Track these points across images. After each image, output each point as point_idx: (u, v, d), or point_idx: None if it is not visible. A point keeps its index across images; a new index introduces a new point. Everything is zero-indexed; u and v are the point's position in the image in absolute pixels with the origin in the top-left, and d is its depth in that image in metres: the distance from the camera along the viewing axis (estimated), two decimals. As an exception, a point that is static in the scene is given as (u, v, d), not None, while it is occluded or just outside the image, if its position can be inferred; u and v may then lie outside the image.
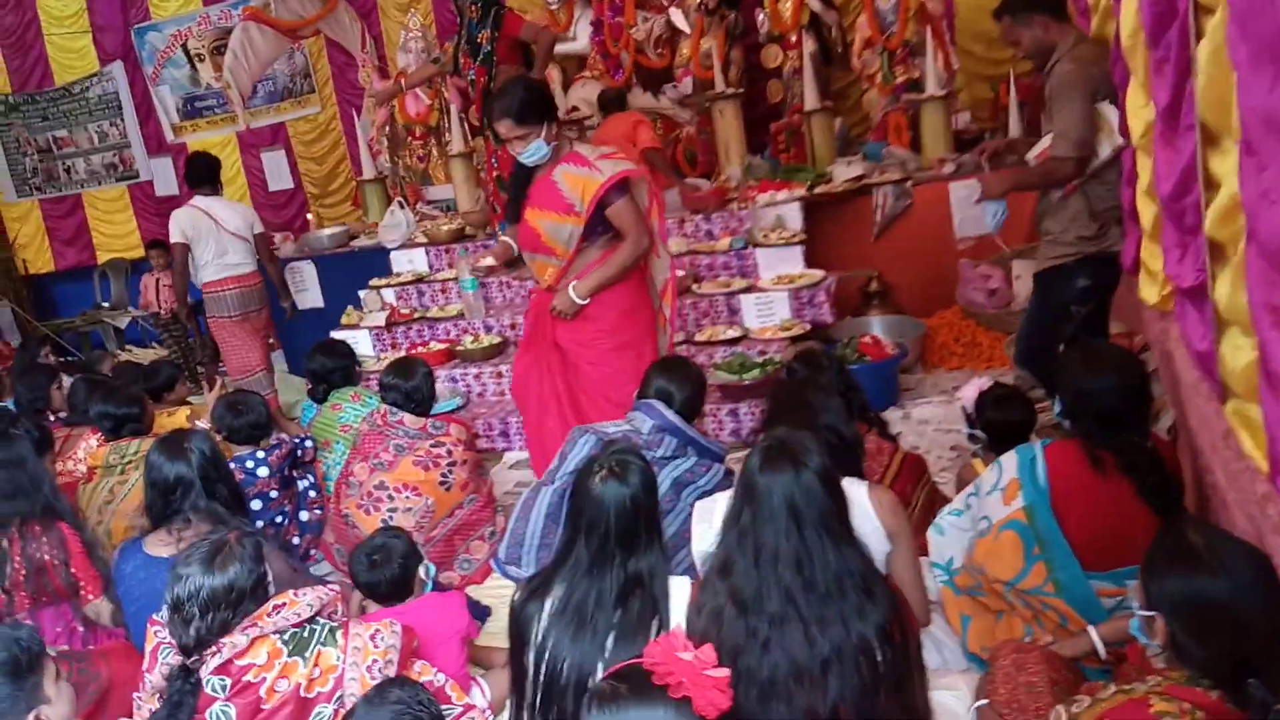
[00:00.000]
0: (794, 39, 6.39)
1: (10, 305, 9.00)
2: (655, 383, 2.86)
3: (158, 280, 7.22)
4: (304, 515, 3.65)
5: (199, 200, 5.41)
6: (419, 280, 6.11)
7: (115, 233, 9.14)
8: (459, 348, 5.38)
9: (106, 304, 8.91)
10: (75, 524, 3.00)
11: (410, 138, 7.41)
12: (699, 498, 2.55)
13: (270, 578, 2.22)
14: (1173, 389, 2.68)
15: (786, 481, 1.69)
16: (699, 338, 4.79)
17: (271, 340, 6.01)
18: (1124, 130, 2.98)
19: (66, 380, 5.02)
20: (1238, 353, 1.85)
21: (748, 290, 4.94)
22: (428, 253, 6.30)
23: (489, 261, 3.81)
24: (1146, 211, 2.62)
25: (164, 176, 8.83)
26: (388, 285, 6.11)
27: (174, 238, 5.33)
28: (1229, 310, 1.88)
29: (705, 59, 6.41)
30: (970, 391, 2.96)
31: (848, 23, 6.61)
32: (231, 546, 2.16)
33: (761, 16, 6.46)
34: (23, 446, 2.93)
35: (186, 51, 8.41)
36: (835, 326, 4.94)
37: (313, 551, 3.70)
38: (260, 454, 3.62)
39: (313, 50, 8.13)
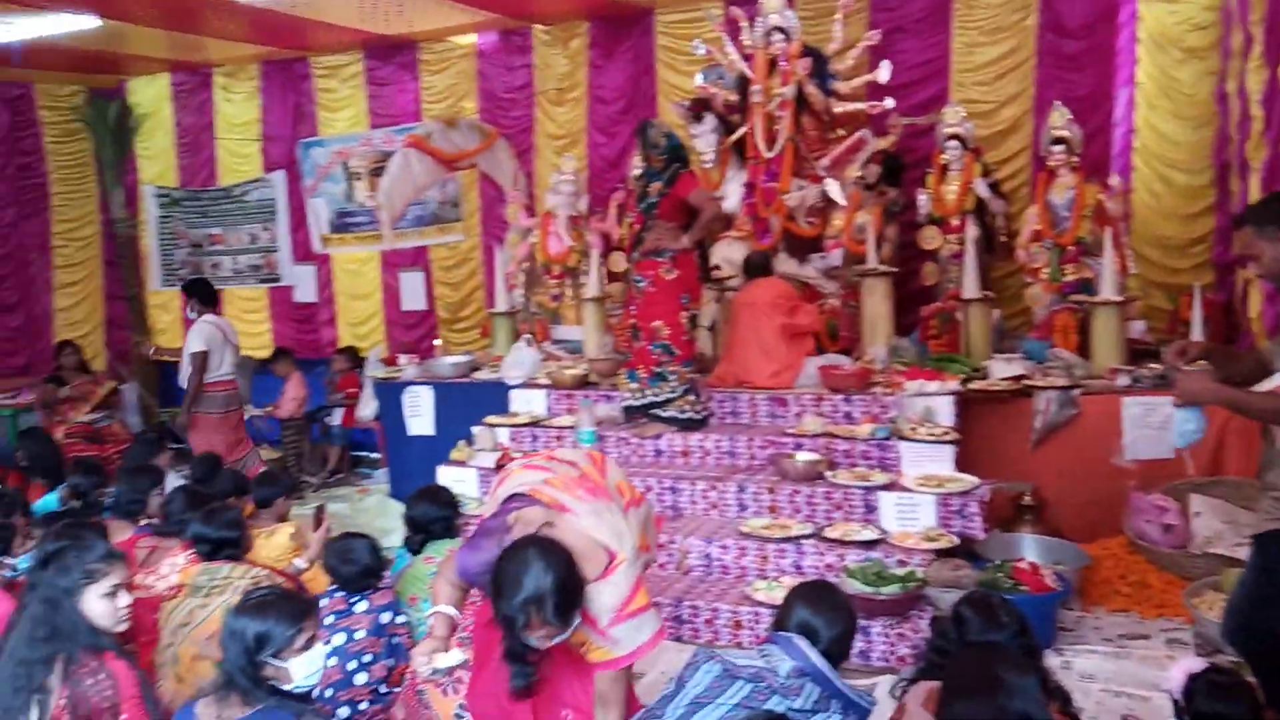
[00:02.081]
0: (956, 223, 6.12)
1: (138, 388, 9.20)
2: (798, 613, 2.43)
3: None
4: (381, 687, 3.30)
5: (211, 317, 6.50)
6: (535, 423, 5.88)
7: (248, 331, 9.29)
8: (567, 503, 5.05)
9: (227, 399, 8.99)
10: (133, 664, 2.72)
11: (547, 276, 7.36)
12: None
13: None
14: None
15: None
16: (830, 533, 4.34)
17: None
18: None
19: (172, 482, 4.90)
20: None
21: (888, 487, 4.50)
22: (548, 395, 6.09)
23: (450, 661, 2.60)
24: None
25: (304, 284, 9.01)
26: (503, 424, 5.90)
27: (196, 347, 6.32)
28: None
29: (859, 233, 6.17)
30: (1178, 675, 2.44)
31: (1015, 211, 6.32)
32: None
33: (923, 197, 6.22)
34: (58, 583, 2.68)
35: (346, 169, 8.68)
36: (985, 543, 4.42)
37: (377, 722, 3.33)
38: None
39: (465, 181, 8.27)
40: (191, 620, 3.50)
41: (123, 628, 2.84)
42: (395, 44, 8.24)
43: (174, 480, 4.78)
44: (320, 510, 4.33)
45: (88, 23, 6.90)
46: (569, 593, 2.37)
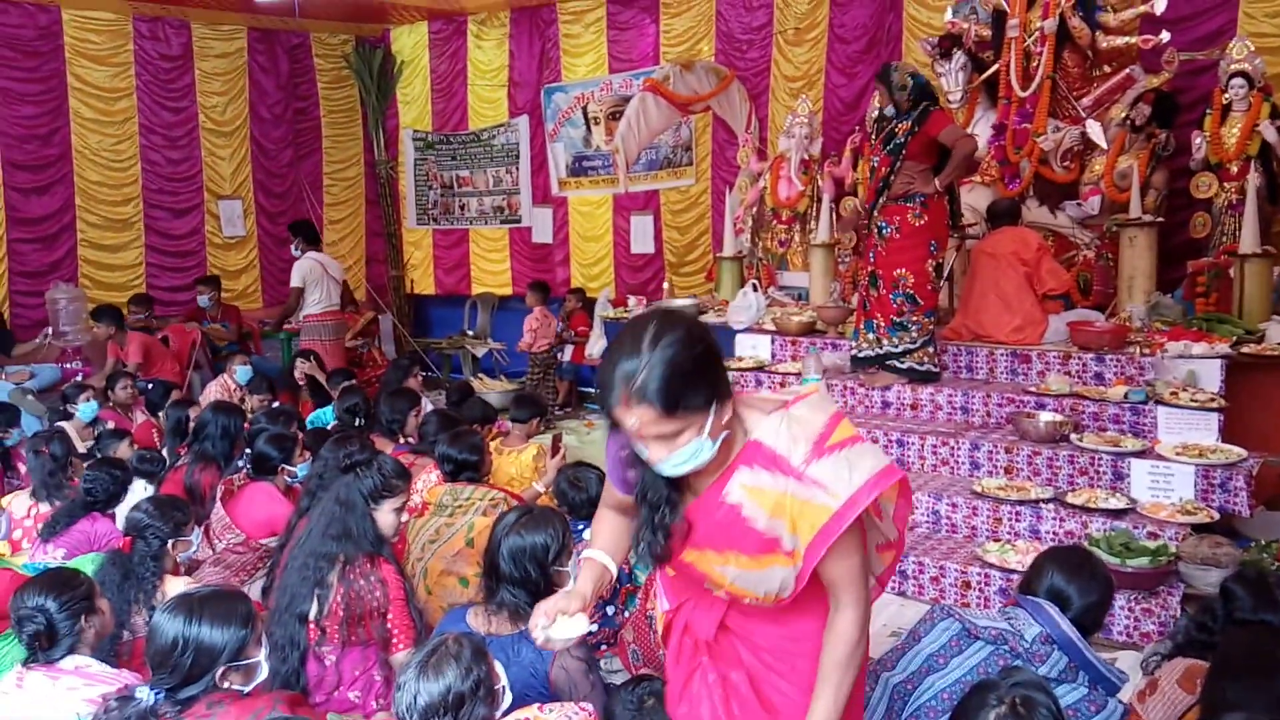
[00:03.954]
0: (1235, 169, 5.52)
1: (393, 319, 9.99)
2: (1049, 578, 2.32)
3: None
4: (609, 608, 3.46)
5: (313, 254, 7.31)
6: (759, 368, 5.90)
7: (490, 269, 9.87)
8: (791, 448, 5.05)
9: (471, 332, 9.62)
10: (401, 571, 3.00)
11: (776, 220, 7.30)
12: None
13: (498, 681, 2.10)
14: None
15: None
16: (1072, 499, 4.11)
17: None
18: None
19: (427, 405, 5.31)
20: None
21: (1142, 454, 4.19)
22: (773, 340, 6.09)
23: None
24: None
25: (542, 225, 9.40)
26: (729, 368, 5.91)
27: (295, 283, 7.25)
28: None
29: (1121, 179, 5.71)
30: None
31: (1309, 158, 5.63)
32: (447, 647, 2.05)
33: (1199, 140, 5.65)
34: (359, 489, 2.98)
35: (585, 114, 8.92)
36: (1249, 521, 4.05)
37: (603, 645, 3.50)
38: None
39: (699, 125, 8.30)
40: (439, 537, 3.77)
41: (395, 540, 3.14)
42: (637, -13, 8.33)
43: (429, 404, 5.16)
44: (557, 439, 4.56)
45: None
46: (686, 370, 1.61)
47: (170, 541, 3.22)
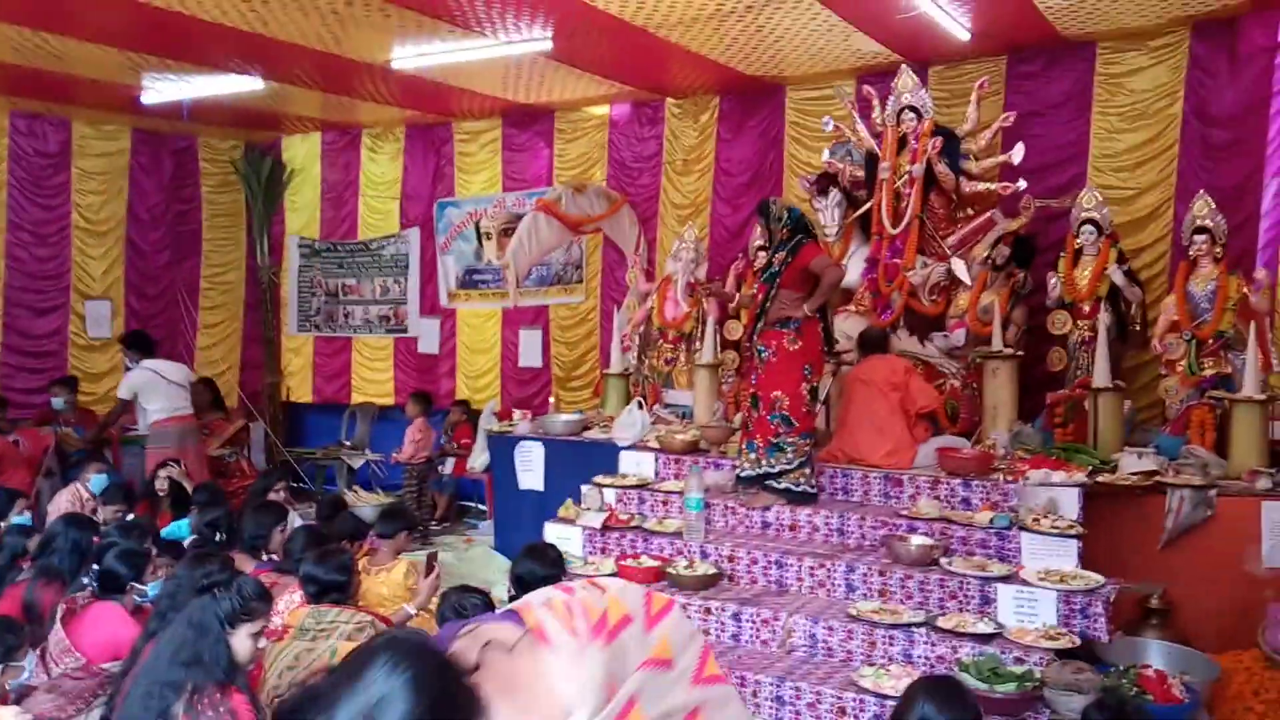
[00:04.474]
0: (1088, 308, 5.93)
1: (265, 427, 9.63)
2: (920, 708, 2.34)
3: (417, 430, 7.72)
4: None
5: (149, 363, 7.10)
6: (642, 485, 5.89)
7: (373, 378, 9.68)
8: (670, 570, 5.02)
9: (349, 442, 9.35)
10: (254, 701, 2.82)
11: (662, 340, 7.44)
12: None
13: None
14: None
15: None
16: (943, 623, 4.18)
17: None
18: None
19: (294, 520, 5.10)
20: None
21: (1007, 579, 4.32)
22: (657, 459, 6.11)
23: None
24: None
25: (429, 336, 9.33)
26: (611, 485, 5.93)
27: (123, 394, 7.07)
28: None
29: (984, 313, 6.05)
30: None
31: (1151, 299, 6.11)
32: None
33: (1054, 280, 6.06)
34: (214, 612, 2.81)
35: (478, 229, 9.01)
36: (1109, 646, 4.19)
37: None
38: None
39: (589, 245, 8.49)
40: (299, 664, 3.56)
41: (251, 667, 2.95)
42: (532, 112, 8.57)
43: (296, 519, 4.96)
44: (432, 557, 4.43)
45: (253, 84, 7.41)
46: None
47: (1, 667, 2.96)
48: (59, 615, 3.74)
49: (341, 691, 1.32)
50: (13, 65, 6.95)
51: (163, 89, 7.56)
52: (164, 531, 5.34)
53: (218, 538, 4.74)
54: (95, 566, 4.07)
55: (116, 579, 3.87)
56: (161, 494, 6.03)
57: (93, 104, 8.27)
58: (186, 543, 4.79)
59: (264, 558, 4.54)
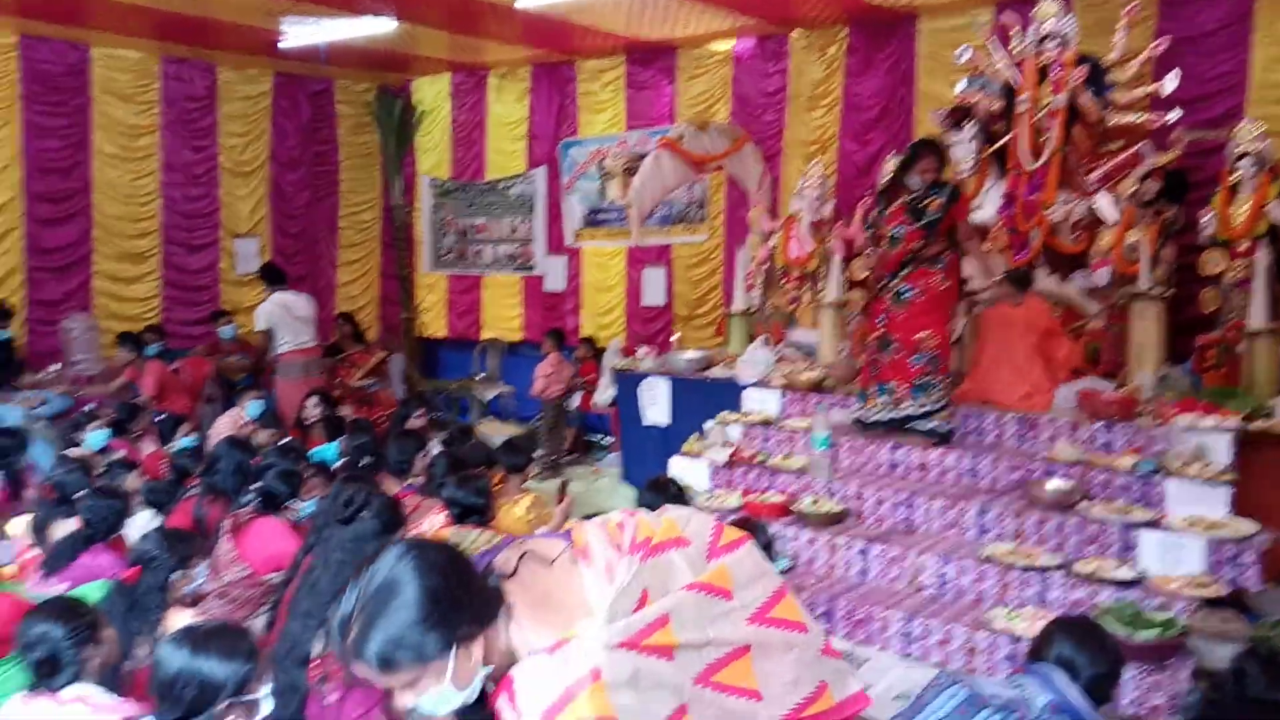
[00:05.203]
0: (1244, 247, 5.59)
1: (403, 360, 10.04)
2: (1059, 646, 2.31)
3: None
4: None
5: (278, 295, 7.38)
6: (767, 423, 5.91)
7: (502, 315, 9.93)
8: (796, 506, 5.05)
9: (480, 376, 9.67)
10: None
11: (785, 279, 7.37)
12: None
13: None
14: None
15: None
16: (1080, 568, 4.09)
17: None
18: None
19: (434, 446, 5.32)
20: None
21: (1151, 525, 4.19)
22: (782, 396, 6.11)
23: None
24: None
25: (555, 274, 9.49)
26: (736, 421, 5.97)
27: (259, 325, 7.38)
28: None
29: (1130, 252, 5.77)
30: None
31: (1316, 238, 5.70)
32: None
33: (1208, 216, 5.72)
34: (367, 528, 2.98)
35: (601, 168, 9.06)
36: (1259, 597, 4.03)
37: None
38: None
39: (712, 183, 8.42)
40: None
41: None
42: (655, 49, 8.50)
43: (436, 446, 5.17)
44: (564, 485, 4.55)
45: (385, 25, 7.57)
46: (408, 621, 1.39)
47: (176, 574, 3.21)
48: (225, 529, 4.03)
49: (355, 579, 1.42)
50: (161, 10, 7.27)
51: (300, 33, 7.81)
52: (312, 453, 5.66)
53: (363, 461, 4.99)
54: (256, 485, 4.36)
55: (275, 497, 4.12)
56: (310, 422, 6.38)
57: (236, 48, 8.61)
58: (334, 466, 5.07)
59: (408, 481, 4.76)
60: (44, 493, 4.29)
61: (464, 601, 1.42)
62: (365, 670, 1.40)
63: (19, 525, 4.24)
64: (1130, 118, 5.87)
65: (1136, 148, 5.91)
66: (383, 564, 1.41)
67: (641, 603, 1.46)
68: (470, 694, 1.44)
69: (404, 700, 1.44)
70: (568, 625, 1.46)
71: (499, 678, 1.47)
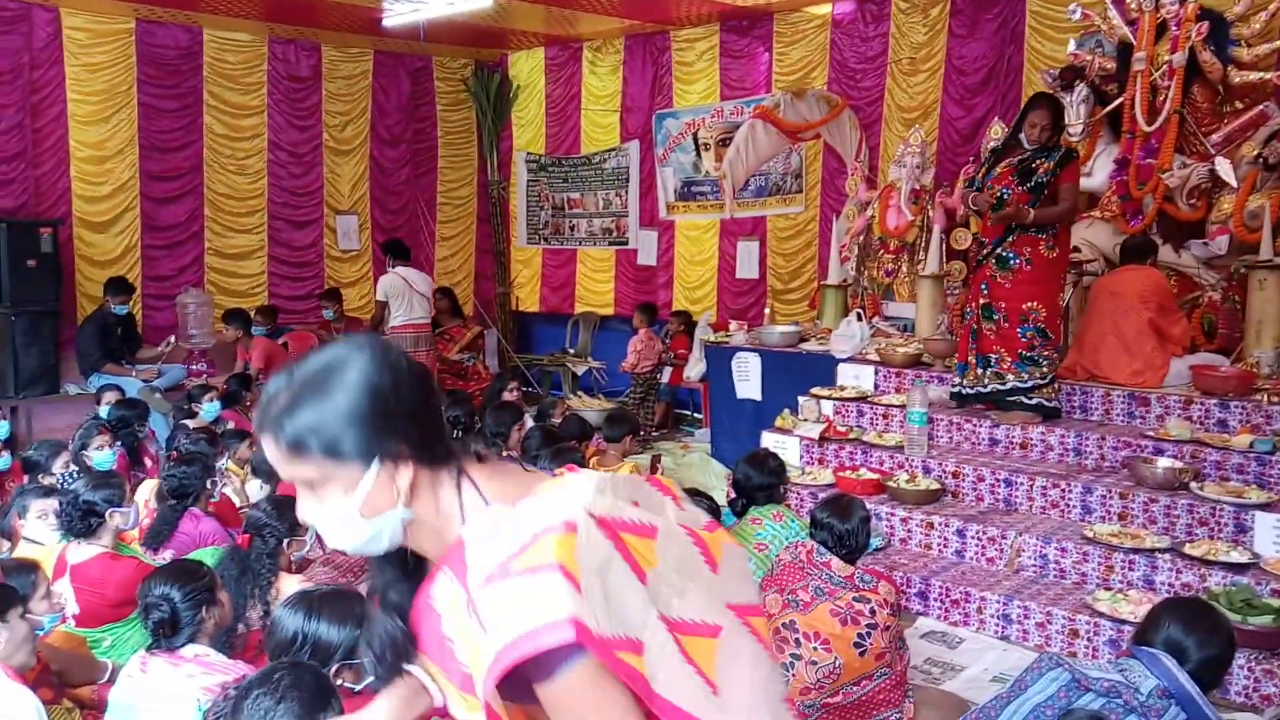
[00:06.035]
0: (1380, 214, 5.23)
1: (498, 334, 10.21)
2: (1167, 628, 2.23)
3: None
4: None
5: (400, 270, 7.54)
6: (862, 398, 5.82)
7: (595, 289, 10.00)
8: (891, 483, 4.97)
9: (572, 350, 9.77)
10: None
11: (883, 250, 7.21)
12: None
13: None
14: None
15: None
16: (1190, 550, 3.93)
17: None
18: None
19: (529, 420, 5.42)
20: None
21: (1268, 507, 3.99)
22: (876, 372, 6.01)
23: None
24: None
25: (648, 248, 9.49)
26: (829, 397, 5.90)
27: (379, 295, 7.52)
28: None
29: (1251, 219, 5.46)
30: None
31: None
32: None
33: (1339, 181, 5.38)
34: None
35: (695, 139, 9.00)
36: (1387, 585, 3.81)
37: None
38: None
39: (809, 153, 8.28)
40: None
41: None
42: (751, 16, 8.37)
43: (530, 419, 5.26)
44: (656, 459, 4.58)
45: (482, 0, 7.65)
46: (335, 402, 1.20)
47: (286, 540, 3.36)
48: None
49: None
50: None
51: (402, 9, 7.94)
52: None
53: (457, 433, 5.11)
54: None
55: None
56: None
57: (339, 27, 8.82)
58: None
59: (504, 454, 4.86)
60: (169, 460, 4.50)
61: (406, 416, 1.21)
62: (273, 449, 1.22)
63: (146, 490, 4.48)
64: (1254, 75, 5.55)
65: (1261, 107, 5.58)
66: (343, 345, 1.24)
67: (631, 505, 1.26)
68: (374, 534, 1.24)
69: (305, 508, 1.27)
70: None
71: (440, 553, 1.27)
